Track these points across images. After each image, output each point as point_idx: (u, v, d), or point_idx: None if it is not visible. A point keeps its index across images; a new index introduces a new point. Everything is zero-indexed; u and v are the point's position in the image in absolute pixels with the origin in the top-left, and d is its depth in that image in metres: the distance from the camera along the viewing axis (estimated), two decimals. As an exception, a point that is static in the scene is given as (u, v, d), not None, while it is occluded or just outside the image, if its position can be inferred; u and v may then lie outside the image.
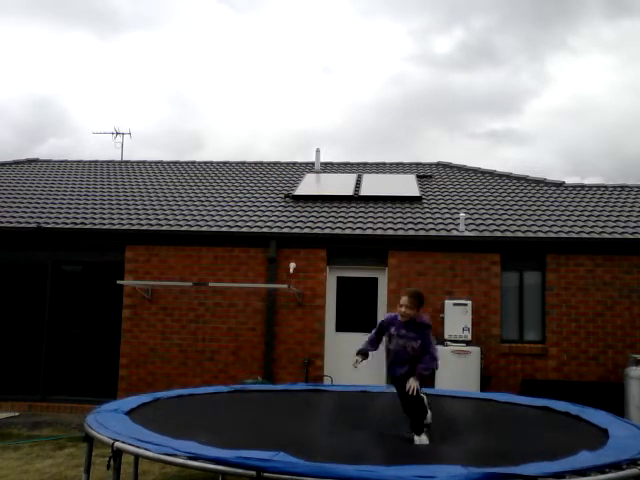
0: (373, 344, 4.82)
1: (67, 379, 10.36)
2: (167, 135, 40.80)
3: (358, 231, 10.10)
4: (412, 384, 4.50)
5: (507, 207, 11.26)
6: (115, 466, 3.98)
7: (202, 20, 42.67)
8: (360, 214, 10.93)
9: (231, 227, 10.35)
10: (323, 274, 10.06)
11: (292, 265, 9.96)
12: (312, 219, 10.67)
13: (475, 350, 9.13)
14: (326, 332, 10.01)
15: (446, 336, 9.34)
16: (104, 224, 10.55)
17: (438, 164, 14.87)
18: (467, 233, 9.94)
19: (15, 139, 37.61)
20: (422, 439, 4.47)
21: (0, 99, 38.44)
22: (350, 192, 11.93)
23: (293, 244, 10.08)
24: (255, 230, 10.22)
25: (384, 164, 15.03)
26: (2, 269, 10.73)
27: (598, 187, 12.78)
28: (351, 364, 4.78)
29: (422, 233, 10.00)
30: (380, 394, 6.60)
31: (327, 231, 10.14)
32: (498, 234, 9.93)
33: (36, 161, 15.75)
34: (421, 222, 10.43)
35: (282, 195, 12.10)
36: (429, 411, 4.67)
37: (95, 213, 11.12)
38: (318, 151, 14.20)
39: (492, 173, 13.89)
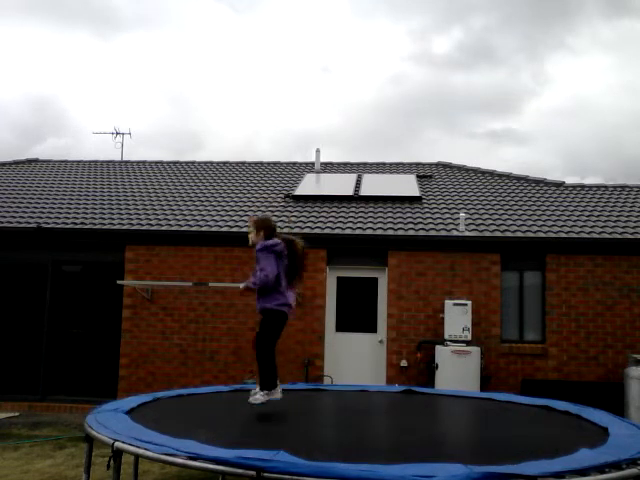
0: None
1: (67, 379, 10.36)
2: (167, 135, 40.85)
3: (358, 231, 10.10)
4: (241, 285, 4.58)
5: (507, 207, 11.27)
6: (115, 466, 3.97)
7: (202, 20, 42.70)
8: (360, 214, 10.93)
9: (231, 227, 10.35)
10: (323, 274, 10.06)
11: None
12: (312, 219, 10.67)
13: (475, 350, 9.13)
14: (326, 332, 10.02)
15: (446, 336, 9.34)
16: (104, 224, 10.55)
17: (438, 164, 14.87)
18: (467, 233, 9.95)
19: (15, 139, 37.66)
20: (257, 397, 4.46)
21: (0, 99, 38.47)
22: (350, 192, 11.93)
23: (293, 244, 10.06)
24: (255, 230, 10.20)
25: (384, 164, 15.03)
26: (2, 269, 10.74)
27: (598, 187, 12.79)
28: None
29: (422, 233, 10.00)
30: (380, 393, 6.61)
31: (327, 231, 10.14)
32: (498, 234, 9.93)
33: (36, 161, 15.76)
34: (421, 222, 10.44)
35: (282, 195, 12.10)
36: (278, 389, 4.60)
37: (95, 213, 11.12)
38: (318, 151, 14.20)
39: (492, 173, 13.89)
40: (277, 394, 4.45)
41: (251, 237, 4.68)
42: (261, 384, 4.46)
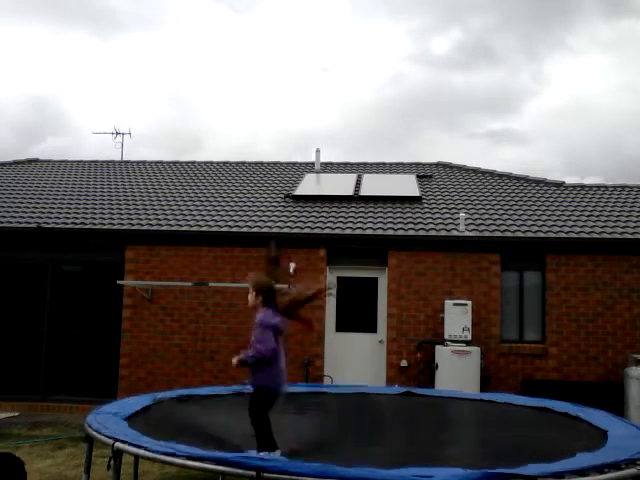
0: None
1: (67, 379, 10.36)
2: (167, 135, 40.83)
3: (358, 231, 10.10)
4: (234, 359, 4.31)
5: (507, 207, 11.26)
6: (115, 466, 3.97)
7: (201, 20, 42.70)
8: (360, 214, 10.93)
9: (231, 227, 10.35)
10: (323, 274, 10.06)
11: (292, 265, 9.96)
12: (312, 219, 10.67)
13: (475, 350, 9.13)
14: (326, 332, 10.02)
15: (446, 336, 9.34)
16: (104, 224, 10.55)
17: (438, 164, 14.87)
18: (467, 233, 9.95)
19: (15, 139, 37.62)
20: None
21: (0, 99, 38.46)
22: (350, 192, 11.93)
23: (293, 244, 10.08)
24: (255, 230, 10.22)
25: (384, 164, 15.03)
26: (2, 269, 10.73)
27: (598, 187, 12.78)
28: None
29: (422, 233, 10.00)
30: (379, 394, 6.61)
31: (327, 231, 10.14)
32: (498, 234, 9.93)
33: (36, 161, 15.75)
34: (421, 222, 10.43)
35: (282, 195, 12.10)
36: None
37: (95, 213, 11.12)
38: (318, 151, 14.20)
39: (492, 173, 13.89)
40: (277, 455, 4.22)
41: (250, 299, 4.49)
42: (259, 447, 4.23)
